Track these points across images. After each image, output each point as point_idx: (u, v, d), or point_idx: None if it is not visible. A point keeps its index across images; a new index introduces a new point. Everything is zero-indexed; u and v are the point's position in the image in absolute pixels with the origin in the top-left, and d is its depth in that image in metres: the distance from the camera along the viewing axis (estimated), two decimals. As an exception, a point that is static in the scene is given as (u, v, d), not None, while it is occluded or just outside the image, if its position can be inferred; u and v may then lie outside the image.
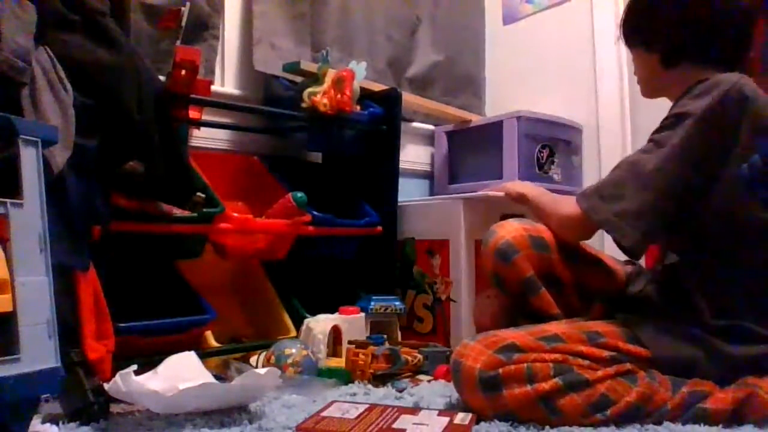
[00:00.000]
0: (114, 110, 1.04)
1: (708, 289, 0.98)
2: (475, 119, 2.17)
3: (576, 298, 1.12)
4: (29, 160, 0.73)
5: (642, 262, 1.18)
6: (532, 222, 1.14)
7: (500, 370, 0.88)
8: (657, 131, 1.03)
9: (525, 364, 0.88)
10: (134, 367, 0.89)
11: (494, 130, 2.00)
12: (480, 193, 1.57)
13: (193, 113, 1.43)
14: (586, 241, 1.19)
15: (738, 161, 0.95)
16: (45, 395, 0.89)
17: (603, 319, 1.04)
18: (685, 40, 1.07)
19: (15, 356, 0.67)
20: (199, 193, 1.28)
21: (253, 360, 1.23)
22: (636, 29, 1.15)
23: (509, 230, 1.11)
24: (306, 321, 1.34)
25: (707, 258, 1.01)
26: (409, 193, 2.06)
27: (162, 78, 1.24)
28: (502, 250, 1.09)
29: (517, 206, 1.34)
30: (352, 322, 1.38)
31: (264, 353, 1.21)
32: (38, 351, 0.70)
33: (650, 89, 1.17)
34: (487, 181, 1.87)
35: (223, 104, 1.51)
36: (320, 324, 1.31)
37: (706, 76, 0.99)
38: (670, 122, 1.00)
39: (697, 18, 1.06)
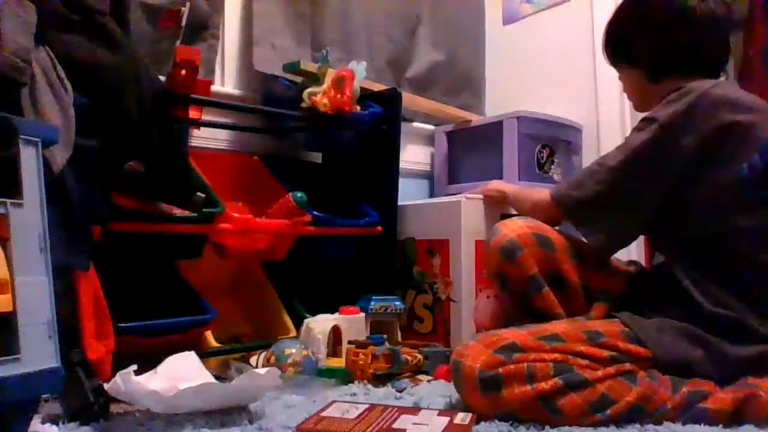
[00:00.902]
0: (114, 110, 1.04)
1: (707, 287, 0.98)
2: (475, 119, 2.17)
3: (580, 298, 1.12)
4: (29, 160, 0.73)
5: (643, 262, 1.19)
6: (536, 221, 1.14)
7: (500, 370, 0.88)
8: (631, 132, 1.08)
9: (525, 364, 0.88)
10: (134, 367, 0.89)
11: (494, 130, 2.00)
12: (461, 195, 1.57)
13: (193, 113, 1.43)
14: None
15: (728, 165, 0.96)
16: (45, 395, 0.89)
17: (604, 318, 1.04)
18: (669, 55, 1.11)
19: (15, 356, 0.67)
20: (199, 193, 1.27)
21: (253, 360, 1.23)
22: (619, 48, 1.18)
23: (513, 228, 1.11)
24: (306, 321, 1.34)
25: (705, 258, 1.01)
26: (409, 193, 2.06)
27: (162, 78, 1.24)
28: (507, 248, 1.09)
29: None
30: (352, 322, 1.38)
31: (264, 353, 1.21)
32: (38, 351, 0.70)
33: (642, 103, 1.19)
34: (487, 182, 1.87)
35: (223, 104, 1.50)
36: (320, 324, 1.31)
37: (686, 84, 1.03)
38: (640, 125, 1.05)
39: (679, 33, 1.09)
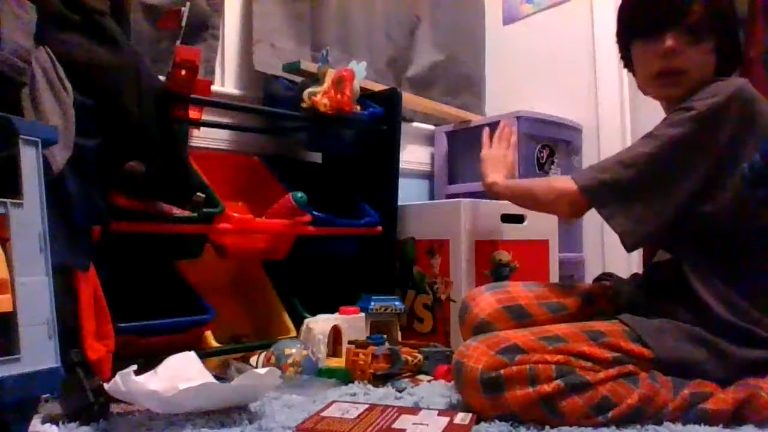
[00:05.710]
0: (114, 110, 1.04)
1: (716, 287, 0.98)
2: (475, 119, 2.17)
3: None
4: (29, 160, 0.73)
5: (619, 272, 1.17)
6: (506, 288, 1.12)
7: (502, 371, 0.88)
8: (663, 121, 1.04)
9: (527, 366, 0.88)
10: (134, 367, 0.89)
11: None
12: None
13: (193, 113, 1.43)
14: (557, 278, 1.14)
15: (742, 162, 0.96)
16: (45, 395, 0.89)
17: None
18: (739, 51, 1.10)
19: (15, 356, 0.67)
20: (199, 193, 1.27)
21: (253, 360, 1.23)
22: (719, 19, 1.05)
23: (483, 307, 1.09)
24: (306, 321, 1.34)
25: (713, 257, 1.01)
26: (409, 193, 2.06)
27: (162, 78, 1.24)
28: (480, 328, 1.06)
29: (516, 206, 1.35)
30: (352, 322, 1.37)
31: (264, 353, 1.21)
32: (38, 351, 0.70)
33: (690, 87, 1.04)
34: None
35: (223, 104, 1.50)
36: (320, 324, 1.31)
37: (723, 79, 1.02)
38: (676, 115, 1.01)
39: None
